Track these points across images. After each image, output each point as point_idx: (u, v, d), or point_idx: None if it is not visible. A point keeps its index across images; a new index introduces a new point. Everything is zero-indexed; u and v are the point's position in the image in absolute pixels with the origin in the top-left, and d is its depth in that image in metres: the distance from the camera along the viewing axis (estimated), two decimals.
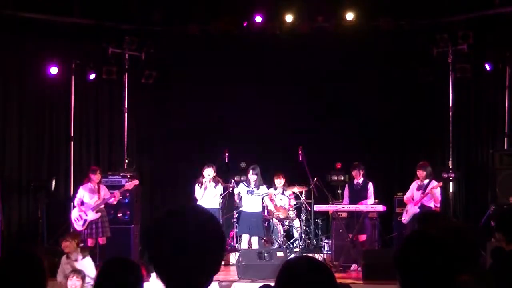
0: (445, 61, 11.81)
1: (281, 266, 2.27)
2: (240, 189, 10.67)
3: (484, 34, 11.58)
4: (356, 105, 12.67)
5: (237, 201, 10.81)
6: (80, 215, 10.29)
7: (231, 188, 11.42)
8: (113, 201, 10.55)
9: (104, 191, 10.51)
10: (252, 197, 10.51)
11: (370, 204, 10.45)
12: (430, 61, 11.94)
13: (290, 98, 12.85)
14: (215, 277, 2.02)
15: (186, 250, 1.89)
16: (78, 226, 10.27)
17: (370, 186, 10.61)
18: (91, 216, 10.24)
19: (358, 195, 10.59)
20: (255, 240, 10.47)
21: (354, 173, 10.69)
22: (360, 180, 10.65)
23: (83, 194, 10.36)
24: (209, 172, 10.44)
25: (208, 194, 10.48)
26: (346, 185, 10.97)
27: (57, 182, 11.72)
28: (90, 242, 10.04)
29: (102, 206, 10.47)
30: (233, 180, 11.46)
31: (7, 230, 11.05)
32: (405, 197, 10.36)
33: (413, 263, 2.42)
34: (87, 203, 10.30)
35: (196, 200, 10.56)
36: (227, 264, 10.89)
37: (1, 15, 11.29)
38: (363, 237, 10.41)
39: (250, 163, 10.95)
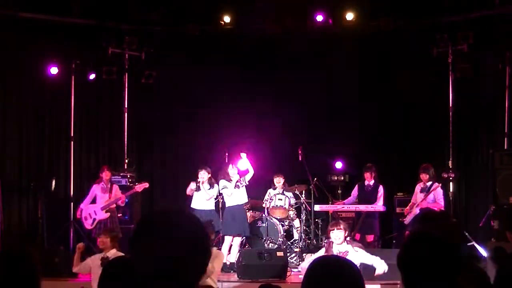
0: (445, 61, 11.81)
1: (310, 265, 2.29)
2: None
3: (484, 34, 11.58)
4: (356, 105, 12.69)
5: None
6: (89, 214, 10.34)
7: None
8: (121, 202, 10.60)
9: (116, 191, 10.57)
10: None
11: (370, 205, 10.45)
12: (430, 61, 11.94)
13: (290, 98, 12.86)
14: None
15: (170, 252, 1.89)
16: (87, 224, 10.34)
17: (381, 189, 10.61)
18: (100, 215, 10.29)
19: (367, 197, 10.61)
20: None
21: (366, 174, 10.71)
22: (371, 182, 10.68)
23: (95, 192, 10.46)
24: (203, 175, 10.38)
25: (202, 196, 10.42)
26: (357, 184, 10.97)
27: (57, 182, 11.72)
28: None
29: (113, 206, 10.53)
30: None
31: (7, 230, 11.05)
32: (411, 202, 10.37)
33: (415, 263, 2.42)
34: (98, 202, 10.39)
35: (189, 197, 10.56)
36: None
37: (1, 15, 11.29)
38: (370, 238, 10.41)
39: (251, 163, 10.93)
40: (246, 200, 10.58)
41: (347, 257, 6.62)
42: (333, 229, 6.92)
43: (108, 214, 10.37)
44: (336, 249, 6.90)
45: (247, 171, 10.48)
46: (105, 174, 10.57)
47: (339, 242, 6.85)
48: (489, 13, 11.45)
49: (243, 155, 10.44)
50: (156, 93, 13.08)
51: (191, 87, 13.06)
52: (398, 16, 12.08)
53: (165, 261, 1.89)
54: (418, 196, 10.19)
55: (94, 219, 10.29)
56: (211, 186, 10.44)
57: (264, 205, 11.26)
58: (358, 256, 6.88)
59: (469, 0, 11.70)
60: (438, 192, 10.09)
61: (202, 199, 10.41)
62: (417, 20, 12.03)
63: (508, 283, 3.14)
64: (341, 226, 6.94)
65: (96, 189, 10.59)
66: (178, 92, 13.19)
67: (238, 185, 10.33)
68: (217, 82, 12.83)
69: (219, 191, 10.51)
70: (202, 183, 10.33)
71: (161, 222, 1.95)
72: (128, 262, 3.01)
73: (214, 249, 7.56)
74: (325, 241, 11.37)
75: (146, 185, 10.94)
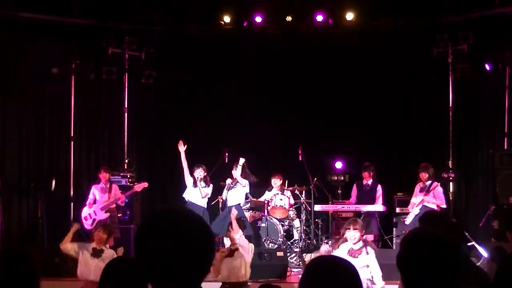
0: (445, 61, 11.81)
1: (307, 265, 2.29)
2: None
3: (484, 34, 11.57)
4: (356, 105, 12.68)
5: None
6: (89, 214, 10.36)
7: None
8: (120, 202, 10.61)
9: (115, 191, 10.58)
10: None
11: (369, 204, 10.46)
12: (430, 61, 11.94)
13: (290, 98, 12.86)
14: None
15: (174, 251, 1.89)
16: (87, 225, 10.35)
17: (379, 188, 10.65)
18: (100, 215, 10.31)
19: (366, 196, 10.65)
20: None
21: (364, 174, 10.76)
22: (370, 181, 10.73)
23: (95, 193, 10.47)
24: (199, 173, 10.45)
25: (198, 193, 10.46)
26: (355, 184, 11.00)
27: (57, 182, 11.71)
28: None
29: (113, 206, 10.54)
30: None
31: (7, 230, 11.06)
32: (411, 201, 10.38)
33: (415, 263, 2.42)
34: (97, 202, 10.41)
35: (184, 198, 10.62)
36: None
37: (1, 15, 11.29)
38: (370, 237, 10.42)
39: (250, 163, 10.94)
40: (241, 201, 10.64)
41: (360, 257, 6.67)
42: (349, 228, 6.90)
43: (108, 214, 10.40)
44: (349, 247, 6.89)
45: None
46: (103, 176, 10.61)
47: (354, 241, 6.85)
48: (489, 13, 11.46)
49: (242, 160, 10.50)
50: (156, 93, 13.08)
51: (191, 87, 13.06)
52: (398, 16, 12.08)
53: (168, 260, 1.89)
54: (418, 195, 10.20)
55: (94, 219, 10.32)
56: (207, 185, 10.53)
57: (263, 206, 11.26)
58: (367, 259, 6.85)
59: (469, 0, 11.69)
60: (437, 191, 10.11)
61: (197, 195, 10.49)
62: (417, 20, 12.03)
63: (508, 283, 3.14)
64: (358, 226, 6.92)
65: (95, 190, 10.61)
66: (178, 92, 13.19)
67: (230, 186, 10.47)
68: (217, 82, 12.83)
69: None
70: (200, 180, 10.39)
71: (165, 222, 1.95)
72: (128, 262, 3.01)
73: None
74: (325, 241, 11.42)
75: (146, 184, 10.98)
